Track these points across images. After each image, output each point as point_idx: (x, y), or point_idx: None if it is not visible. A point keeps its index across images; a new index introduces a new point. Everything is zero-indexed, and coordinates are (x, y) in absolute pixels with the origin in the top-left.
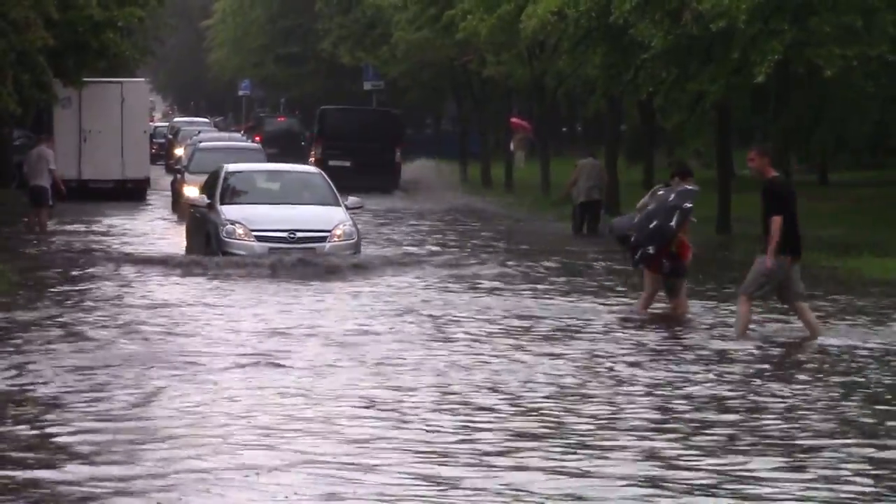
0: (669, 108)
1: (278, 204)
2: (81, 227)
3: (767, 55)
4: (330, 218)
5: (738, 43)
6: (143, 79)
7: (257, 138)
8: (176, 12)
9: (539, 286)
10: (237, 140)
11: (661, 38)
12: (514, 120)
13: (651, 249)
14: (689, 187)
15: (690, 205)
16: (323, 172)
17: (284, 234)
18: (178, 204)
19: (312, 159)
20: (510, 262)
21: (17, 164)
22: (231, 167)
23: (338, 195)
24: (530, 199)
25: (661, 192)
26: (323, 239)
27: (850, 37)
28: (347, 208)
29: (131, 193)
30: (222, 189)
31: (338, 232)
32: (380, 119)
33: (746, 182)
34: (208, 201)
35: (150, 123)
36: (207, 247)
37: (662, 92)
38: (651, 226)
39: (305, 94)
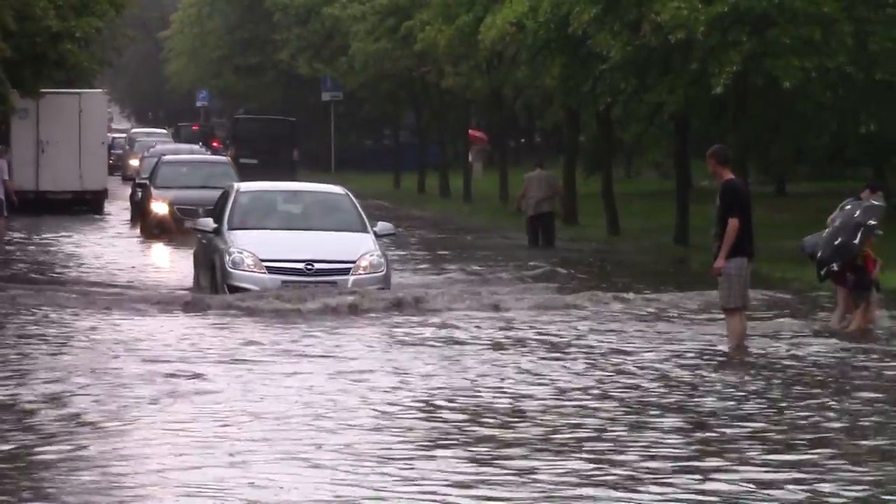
0: (628, 119)
1: (296, 230)
2: (41, 241)
3: (726, 66)
4: (355, 247)
5: (697, 54)
6: (101, 90)
7: None
8: (134, 23)
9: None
10: (198, 152)
11: (620, 49)
12: (470, 131)
13: (835, 266)
14: (876, 203)
15: (874, 222)
16: (350, 194)
17: (300, 266)
18: (146, 219)
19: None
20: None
21: None
22: (243, 186)
23: (366, 220)
24: (492, 209)
25: (848, 207)
26: (346, 271)
27: (808, 48)
28: (377, 235)
29: (89, 205)
30: (231, 211)
31: (363, 263)
32: (281, 125)
33: (705, 193)
34: (214, 225)
35: (108, 134)
36: (214, 278)
37: (621, 103)
38: (836, 243)
39: (264, 105)
